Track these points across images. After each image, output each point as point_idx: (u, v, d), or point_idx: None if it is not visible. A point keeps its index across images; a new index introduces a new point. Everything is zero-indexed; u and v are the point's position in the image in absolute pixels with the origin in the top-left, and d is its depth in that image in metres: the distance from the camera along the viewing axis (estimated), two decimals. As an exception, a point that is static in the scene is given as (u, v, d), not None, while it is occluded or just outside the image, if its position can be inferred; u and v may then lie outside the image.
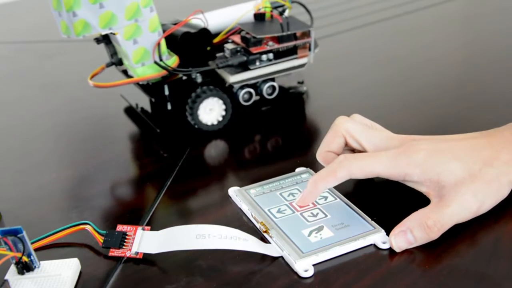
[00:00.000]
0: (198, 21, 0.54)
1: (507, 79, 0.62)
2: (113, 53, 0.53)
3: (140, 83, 0.55)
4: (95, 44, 0.54)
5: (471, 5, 0.89)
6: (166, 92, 0.54)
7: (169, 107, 0.55)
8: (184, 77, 0.54)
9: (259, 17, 0.55)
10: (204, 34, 0.53)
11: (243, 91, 0.55)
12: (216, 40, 0.56)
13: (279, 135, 0.55)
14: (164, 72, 0.52)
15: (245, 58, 0.53)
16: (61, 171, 0.51)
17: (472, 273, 0.35)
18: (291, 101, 0.60)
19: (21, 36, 0.93)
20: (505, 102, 0.57)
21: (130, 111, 0.61)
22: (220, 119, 0.54)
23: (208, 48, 0.54)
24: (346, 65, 0.69)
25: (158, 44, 0.50)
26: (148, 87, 0.55)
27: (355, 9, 0.87)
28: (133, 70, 0.52)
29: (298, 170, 0.47)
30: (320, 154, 0.45)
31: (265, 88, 0.56)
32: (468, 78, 0.64)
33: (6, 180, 0.51)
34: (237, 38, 0.55)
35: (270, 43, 0.54)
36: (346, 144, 0.44)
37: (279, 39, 0.54)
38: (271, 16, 0.55)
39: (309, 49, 0.56)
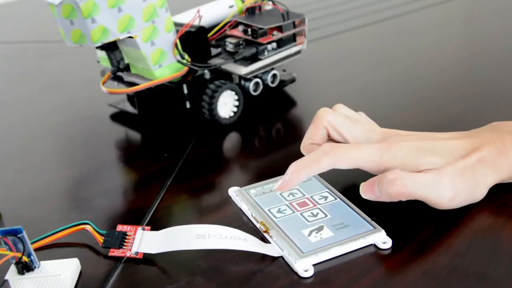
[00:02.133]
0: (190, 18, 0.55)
1: (508, 79, 0.62)
2: (120, 59, 0.52)
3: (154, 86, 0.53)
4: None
5: (471, 5, 0.89)
6: (185, 91, 0.54)
7: (188, 105, 0.55)
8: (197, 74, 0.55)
9: (251, 10, 0.58)
10: (203, 31, 0.54)
11: (252, 82, 0.57)
12: (211, 36, 0.57)
13: (280, 136, 0.55)
14: (183, 72, 0.51)
15: (255, 50, 0.55)
16: (61, 171, 0.51)
17: (472, 273, 0.35)
18: (292, 102, 0.60)
19: (21, 36, 0.93)
20: (506, 102, 0.57)
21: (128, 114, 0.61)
22: (235, 110, 0.56)
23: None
24: (346, 65, 0.69)
25: (176, 43, 0.51)
26: (152, 92, 0.54)
27: (355, 9, 0.87)
28: (150, 72, 0.51)
29: (298, 170, 0.47)
30: (304, 147, 0.45)
31: (269, 77, 0.58)
32: (469, 78, 0.64)
33: (6, 180, 0.51)
34: (236, 32, 0.57)
35: (275, 32, 0.56)
36: (329, 136, 0.44)
37: (282, 28, 0.56)
38: (259, 8, 0.58)
39: (305, 36, 0.59)
